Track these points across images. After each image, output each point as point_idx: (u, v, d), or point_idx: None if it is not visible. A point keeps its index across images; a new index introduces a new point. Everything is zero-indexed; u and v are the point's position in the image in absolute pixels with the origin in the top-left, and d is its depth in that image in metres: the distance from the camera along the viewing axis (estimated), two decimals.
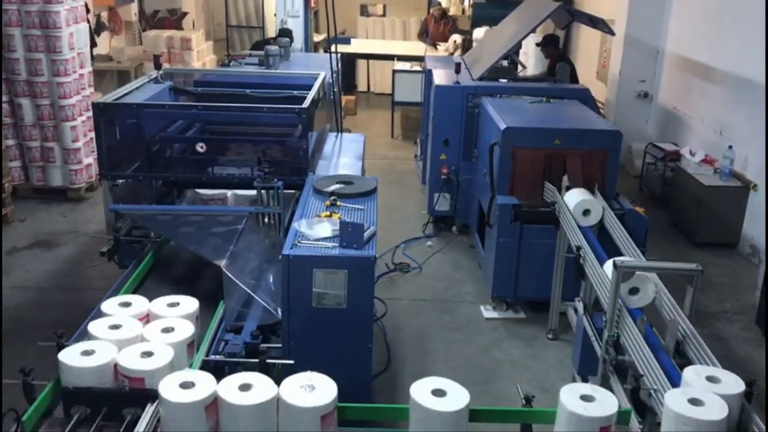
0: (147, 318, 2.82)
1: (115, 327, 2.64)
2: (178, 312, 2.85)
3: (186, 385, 2.24)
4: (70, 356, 2.42)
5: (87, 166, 7.62)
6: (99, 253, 4.34)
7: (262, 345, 3.15)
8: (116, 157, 4.59)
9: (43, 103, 7.26)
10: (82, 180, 7.59)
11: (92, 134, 7.19)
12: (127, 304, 2.87)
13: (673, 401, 2.25)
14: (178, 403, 2.18)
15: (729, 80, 7.19)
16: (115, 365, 2.43)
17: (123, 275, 3.86)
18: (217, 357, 3.10)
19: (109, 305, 2.88)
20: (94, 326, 2.66)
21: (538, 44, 8.78)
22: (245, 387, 2.24)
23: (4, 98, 7.22)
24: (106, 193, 4.50)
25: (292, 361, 2.98)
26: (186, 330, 2.71)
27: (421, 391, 2.26)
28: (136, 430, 2.23)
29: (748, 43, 6.69)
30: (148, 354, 2.45)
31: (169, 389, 2.21)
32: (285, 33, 9.36)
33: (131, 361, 2.42)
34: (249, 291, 3.50)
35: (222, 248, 3.71)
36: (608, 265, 3.61)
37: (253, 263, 3.77)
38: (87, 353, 2.44)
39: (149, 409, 2.31)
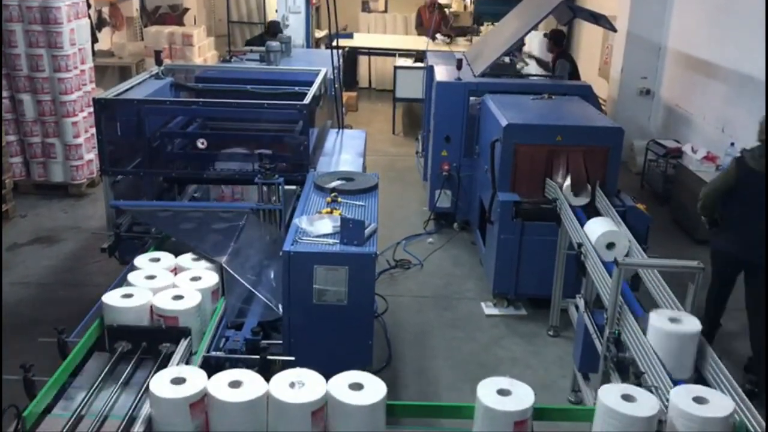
0: (175, 270, 3.30)
1: (150, 277, 3.10)
2: (202, 264, 3.32)
3: (177, 381, 2.24)
4: (113, 299, 2.86)
5: (88, 162, 7.62)
6: (100, 249, 4.33)
7: (263, 341, 3.14)
8: (117, 153, 4.59)
9: (44, 99, 7.26)
10: (83, 176, 7.59)
11: (93, 130, 7.16)
12: (156, 260, 3.36)
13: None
14: (166, 399, 2.20)
15: (731, 77, 7.17)
16: (151, 307, 2.86)
17: (124, 271, 3.85)
18: (218, 353, 3.10)
19: (141, 260, 3.36)
20: (132, 276, 3.11)
21: (546, 35, 8.77)
22: (235, 384, 2.23)
23: (5, 94, 7.22)
24: (107, 189, 4.49)
25: (292, 358, 2.98)
26: (211, 278, 3.17)
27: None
28: (170, 362, 2.58)
29: (751, 39, 6.67)
30: (179, 297, 2.89)
31: (159, 385, 2.23)
32: (274, 27, 9.34)
33: (166, 302, 2.86)
34: (250, 287, 3.50)
35: (223, 244, 3.70)
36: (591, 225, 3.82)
37: (253, 260, 3.76)
38: (127, 296, 2.87)
39: (183, 344, 2.72)
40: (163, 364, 2.61)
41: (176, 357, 2.65)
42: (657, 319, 2.93)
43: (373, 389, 2.26)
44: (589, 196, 4.94)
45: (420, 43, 11.38)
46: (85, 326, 3.12)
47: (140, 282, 3.06)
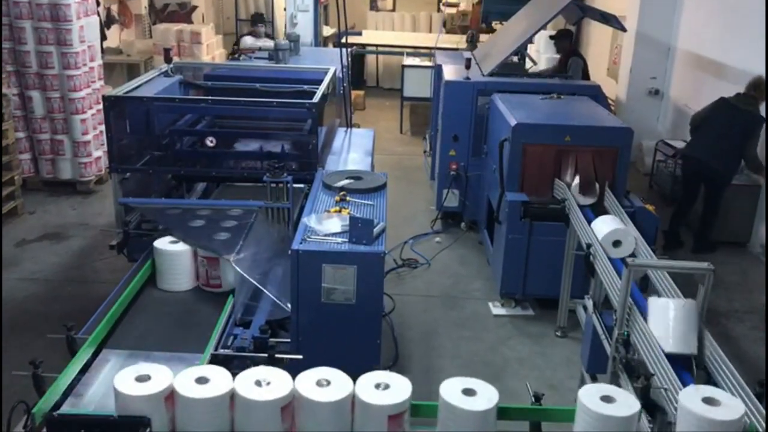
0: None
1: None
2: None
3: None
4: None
5: (96, 159, 7.64)
6: (108, 246, 4.36)
7: (271, 340, 3.14)
8: (126, 150, 4.60)
9: (53, 96, 7.28)
10: (92, 173, 7.61)
11: (102, 127, 7.21)
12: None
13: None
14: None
15: (740, 77, 7.11)
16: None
17: (132, 268, 3.87)
18: (226, 351, 3.10)
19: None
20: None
21: (551, 37, 8.73)
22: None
23: (15, 90, 7.24)
24: (115, 186, 4.50)
25: (301, 357, 2.98)
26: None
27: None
28: None
29: (760, 39, 6.63)
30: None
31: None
32: (258, 18, 9.32)
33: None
34: (258, 285, 3.50)
35: (231, 243, 3.70)
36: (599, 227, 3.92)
37: (262, 258, 3.76)
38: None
39: None
40: None
41: None
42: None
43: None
44: (596, 196, 4.93)
45: (429, 39, 11.37)
46: (94, 323, 3.14)
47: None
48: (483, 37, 10.72)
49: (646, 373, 2.86)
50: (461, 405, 2.19)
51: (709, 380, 2.82)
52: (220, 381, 2.19)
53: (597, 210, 4.79)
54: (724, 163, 6.30)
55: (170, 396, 2.15)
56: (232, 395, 2.16)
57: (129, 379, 2.15)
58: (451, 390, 2.24)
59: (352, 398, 2.18)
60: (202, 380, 2.18)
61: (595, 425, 2.16)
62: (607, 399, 2.20)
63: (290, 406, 2.17)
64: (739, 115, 6.23)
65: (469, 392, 2.24)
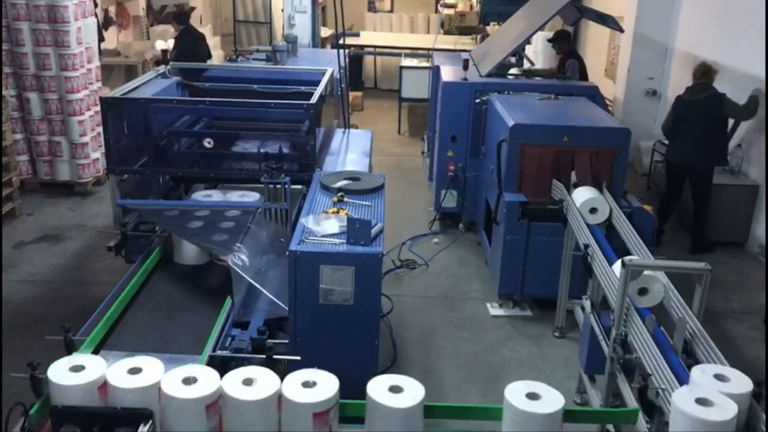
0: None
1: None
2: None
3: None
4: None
5: (94, 161, 7.63)
6: (106, 248, 4.35)
7: (269, 341, 3.15)
8: (124, 151, 4.60)
9: (51, 98, 7.28)
10: (90, 174, 7.60)
11: (100, 129, 7.18)
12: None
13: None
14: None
15: (738, 78, 7.13)
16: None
17: (130, 270, 3.87)
18: (224, 352, 3.10)
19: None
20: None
21: (549, 40, 8.72)
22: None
23: (13, 92, 7.24)
24: (113, 188, 4.50)
25: (298, 358, 2.98)
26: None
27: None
28: None
29: (758, 40, 6.64)
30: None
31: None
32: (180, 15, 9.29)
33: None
34: (257, 285, 3.50)
35: (229, 243, 3.71)
36: (617, 266, 3.61)
37: (260, 259, 3.76)
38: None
39: (143, 429, 2.17)
40: None
41: None
42: None
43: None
44: None
45: (425, 41, 11.40)
46: (92, 324, 3.14)
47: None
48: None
49: (644, 374, 2.87)
50: (387, 402, 2.19)
51: None
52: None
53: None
54: (709, 159, 6.42)
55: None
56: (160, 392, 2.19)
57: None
58: (377, 388, 2.24)
59: (279, 396, 2.20)
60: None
61: (522, 424, 2.19)
62: (533, 396, 2.24)
63: (216, 405, 2.18)
64: (701, 105, 6.31)
65: (396, 389, 2.23)
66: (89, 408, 2.21)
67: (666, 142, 7.00)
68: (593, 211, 4.62)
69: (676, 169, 6.65)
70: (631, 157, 7.72)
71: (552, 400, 2.24)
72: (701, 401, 2.22)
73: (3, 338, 4.59)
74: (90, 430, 2.18)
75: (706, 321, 3.18)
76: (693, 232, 6.71)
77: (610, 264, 3.84)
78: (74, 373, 2.25)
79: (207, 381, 2.21)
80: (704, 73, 6.42)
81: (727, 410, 2.19)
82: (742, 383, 2.36)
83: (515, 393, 2.25)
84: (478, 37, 10.95)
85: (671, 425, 2.28)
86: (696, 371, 2.46)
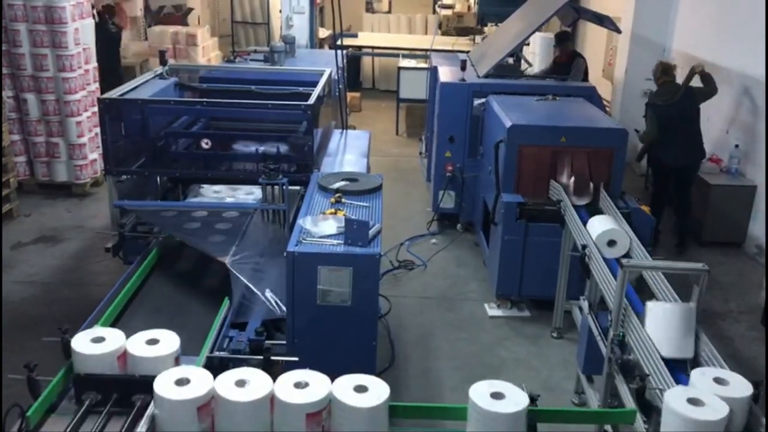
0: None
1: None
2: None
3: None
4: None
5: (92, 162, 7.63)
6: (104, 249, 4.34)
7: (267, 342, 3.14)
8: (121, 152, 4.59)
9: (48, 99, 7.27)
10: (87, 175, 7.60)
11: (97, 130, 7.21)
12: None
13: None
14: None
15: (736, 79, 7.15)
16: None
17: (128, 271, 3.86)
18: (222, 353, 3.10)
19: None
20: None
21: (556, 44, 8.66)
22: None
23: (10, 93, 7.23)
24: (111, 189, 4.50)
25: (296, 359, 2.97)
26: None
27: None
28: (145, 414, 2.26)
29: (755, 41, 6.65)
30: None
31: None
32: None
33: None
34: (253, 288, 3.50)
35: (227, 244, 3.70)
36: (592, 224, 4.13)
37: (257, 260, 3.76)
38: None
39: None
40: (137, 419, 2.28)
41: (151, 409, 2.27)
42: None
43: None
44: (591, 197, 4.94)
45: (423, 42, 11.39)
46: (89, 325, 3.13)
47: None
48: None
49: (642, 374, 2.87)
50: (351, 402, 2.19)
51: None
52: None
53: (592, 211, 4.80)
54: (696, 155, 6.56)
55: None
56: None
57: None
58: (341, 387, 2.24)
59: (271, 397, 2.19)
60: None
61: (486, 423, 2.18)
62: (497, 396, 2.24)
63: (208, 406, 2.19)
64: (678, 106, 6.32)
65: (360, 389, 2.24)
66: (109, 375, 2.39)
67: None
68: (611, 243, 4.04)
69: (666, 172, 6.68)
70: (628, 158, 7.72)
71: (516, 400, 2.23)
72: (693, 401, 2.22)
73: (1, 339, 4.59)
74: (109, 396, 2.37)
75: (703, 321, 3.18)
76: (681, 230, 6.74)
77: (608, 264, 3.85)
78: (96, 343, 2.43)
79: (200, 382, 2.21)
80: (664, 70, 6.48)
81: (718, 410, 2.19)
82: (741, 387, 2.35)
83: (479, 393, 2.24)
84: (476, 37, 10.93)
85: (663, 424, 2.27)
86: (695, 374, 2.45)
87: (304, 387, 2.22)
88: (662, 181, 6.77)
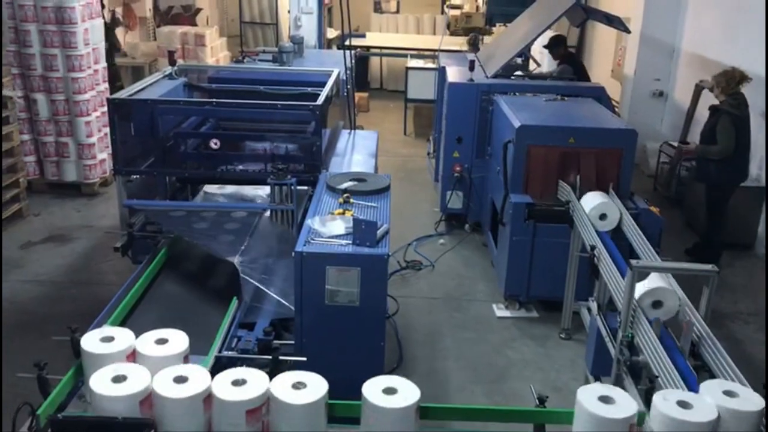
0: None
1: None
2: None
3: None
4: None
5: (101, 162, 7.66)
6: (113, 249, 4.36)
7: (275, 342, 3.15)
8: (130, 152, 4.61)
9: (58, 99, 7.30)
10: (96, 175, 7.63)
11: (106, 130, 7.24)
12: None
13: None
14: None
15: None
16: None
17: (136, 270, 3.88)
18: (230, 353, 3.10)
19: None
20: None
21: (545, 47, 8.68)
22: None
23: (20, 93, 7.27)
24: (120, 189, 4.52)
25: (304, 359, 2.98)
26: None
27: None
28: None
29: (764, 41, 6.62)
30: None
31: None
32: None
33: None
34: (262, 287, 3.51)
35: (235, 244, 3.71)
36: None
37: (265, 260, 3.77)
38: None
39: None
40: None
41: None
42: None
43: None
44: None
45: (431, 42, 11.38)
46: (98, 325, 3.14)
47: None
48: (485, 39, 10.73)
49: (651, 376, 2.86)
50: (288, 400, 2.18)
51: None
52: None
53: None
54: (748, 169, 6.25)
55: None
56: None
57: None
58: (280, 385, 2.22)
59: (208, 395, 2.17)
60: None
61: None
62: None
63: (148, 400, 2.16)
64: (746, 114, 6.01)
65: (298, 385, 2.22)
66: (88, 417, 2.17)
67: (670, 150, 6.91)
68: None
69: (734, 186, 6.23)
70: (637, 159, 7.69)
71: (407, 395, 2.23)
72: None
73: (9, 339, 4.61)
74: None
75: (713, 323, 3.17)
76: (714, 241, 6.35)
77: (617, 266, 3.84)
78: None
79: (138, 379, 2.18)
80: (742, 78, 5.97)
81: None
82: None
83: (373, 389, 2.24)
84: (480, 37, 10.89)
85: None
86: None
87: (242, 384, 2.19)
88: (727, 195, 6.24)
